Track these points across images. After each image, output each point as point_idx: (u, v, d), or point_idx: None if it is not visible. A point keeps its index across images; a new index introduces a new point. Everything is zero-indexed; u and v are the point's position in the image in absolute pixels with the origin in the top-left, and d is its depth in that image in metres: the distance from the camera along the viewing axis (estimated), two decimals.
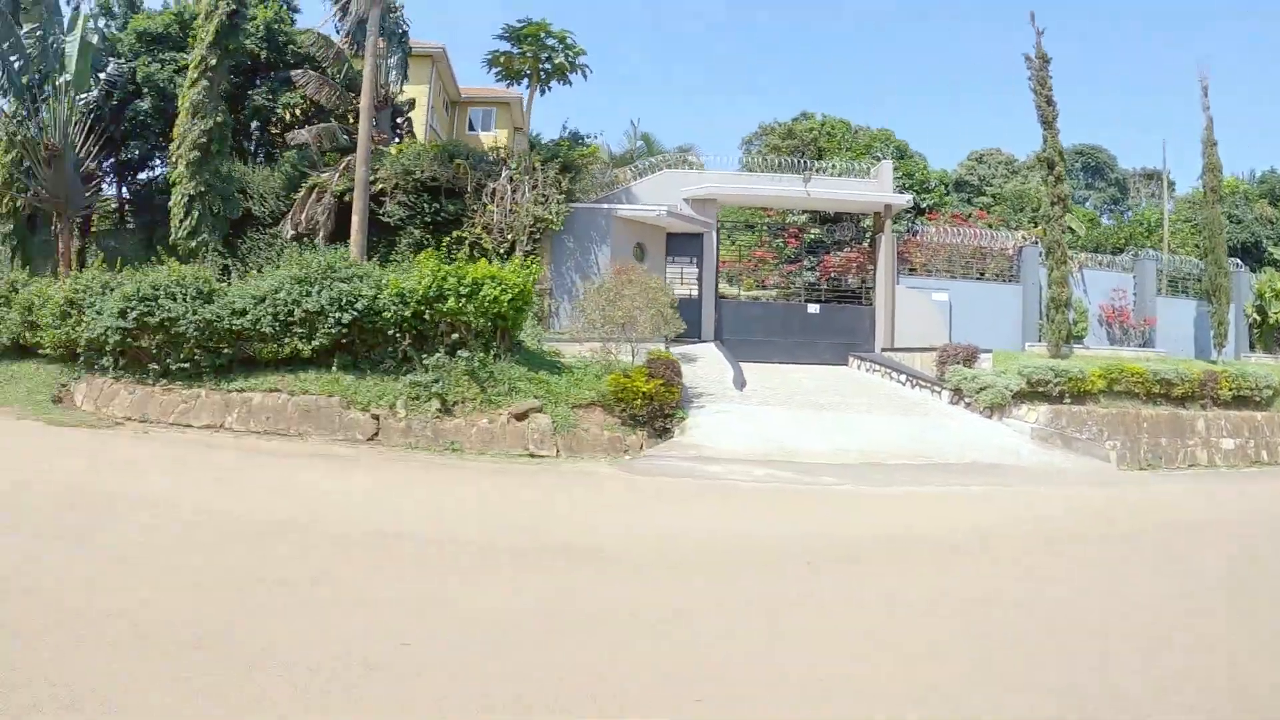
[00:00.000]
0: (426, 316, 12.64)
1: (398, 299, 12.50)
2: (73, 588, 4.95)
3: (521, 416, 12.01)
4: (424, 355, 12.44)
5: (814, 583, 5.95)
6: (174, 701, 3.49)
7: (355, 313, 12.26)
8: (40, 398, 13.55)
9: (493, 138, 31.22)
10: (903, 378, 17.76)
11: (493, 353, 12.69)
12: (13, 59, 20.98)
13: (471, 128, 32.85)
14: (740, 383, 15.99)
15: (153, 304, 12.58)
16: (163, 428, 12.06)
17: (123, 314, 12.72)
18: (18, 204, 21.43)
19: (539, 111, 66.89)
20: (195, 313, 12.36)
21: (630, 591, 5.51)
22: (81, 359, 13.80)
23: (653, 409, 12.42)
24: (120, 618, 4.42)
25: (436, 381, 12.04)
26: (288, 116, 21.39)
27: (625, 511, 8.35)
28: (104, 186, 23.34)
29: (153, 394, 12.72)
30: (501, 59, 21.67)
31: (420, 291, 12.50)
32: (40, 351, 14.71)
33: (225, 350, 12.57)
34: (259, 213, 18.83)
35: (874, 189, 22.67)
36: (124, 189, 24.46)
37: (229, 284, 13.42)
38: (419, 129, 25.28)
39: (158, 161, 22.37)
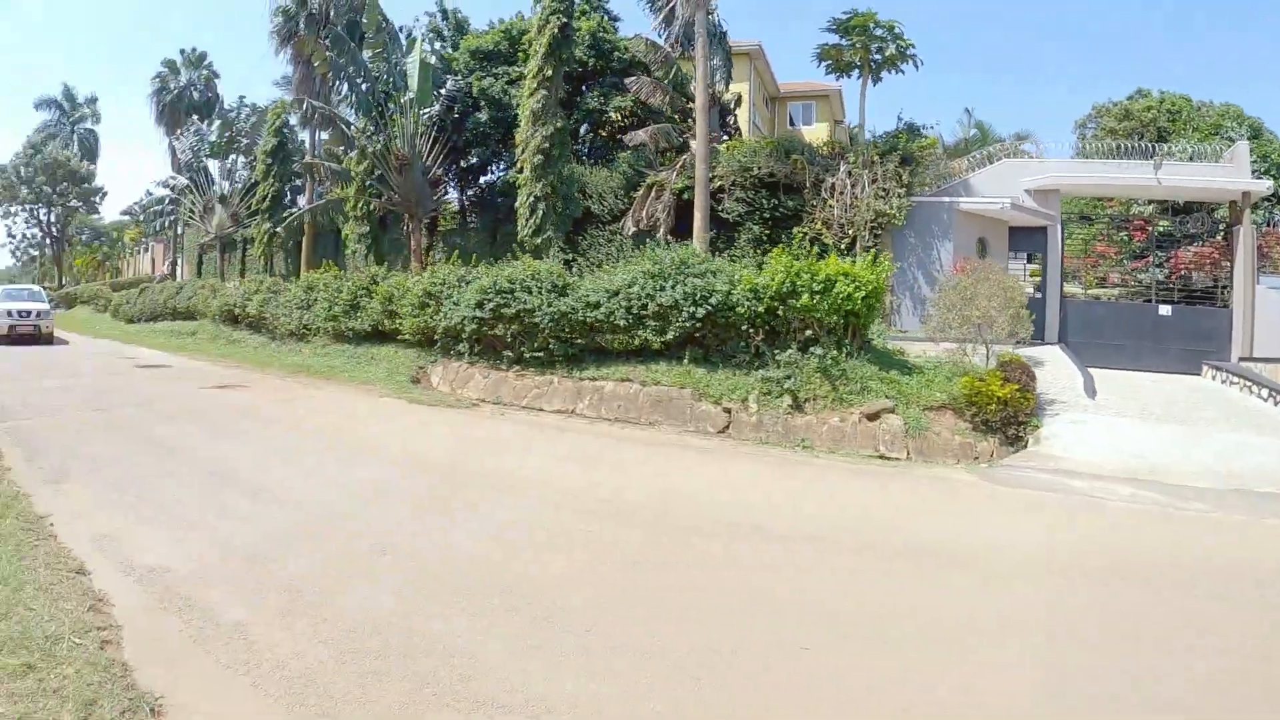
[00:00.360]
0: (779, 312, 11.86)
1: (750, 294, 11.80)
2: (467, 558, 5.67)
3: (873, 416, 10.96)
4: (775, 351, 11.66)
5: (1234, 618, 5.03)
6: (573, 684, 3.93)
7: (709, 307, 11.72)
8: (400, 378, 14.55)
9: (813, 132, 30.08)
10: (1264, 392, 14.33)
11: (844, 350, 11.74)
12: (359, 82, 23.32)
13: (792, 123, 32.13)
14: (1091, 390, 13.80)
15: (509, 296, 13.02)
16: (516, 410, 12.43)
17: (480, 305, 13.31)
18: (371, 207, 23.68)
19: (855, 103, 64.83)
20: (550, 305, 12.59)
21: (1015, 601, 5.25)
22: (438, 344, 14.68)
23: (1006, 415, 11.03)
24: (514, 588, 5.10)
25: (789, 378, 11.28)
26: (617, 120, 21.71)
27: (992, 521, 7.53)
28: (448, 190, 25.41)
29: (506, 379, 13.15)
30: (831, 51, 20.55)
31: (773, 287, 11.73)
32: (399, 337, 15.76)
33: (578, 340, 12.68)
34: (597, 211, 19.18)
35: (1228, 174, 18.81)
36: (466, 192, 26.30)
37: (577, 278, 13.36)
38: (742, 126, 24.74)
39: (498, 166, 23.74)
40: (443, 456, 9.02)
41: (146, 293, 30.83)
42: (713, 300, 11.66)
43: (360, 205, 23.78)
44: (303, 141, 32.51)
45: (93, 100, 62.49)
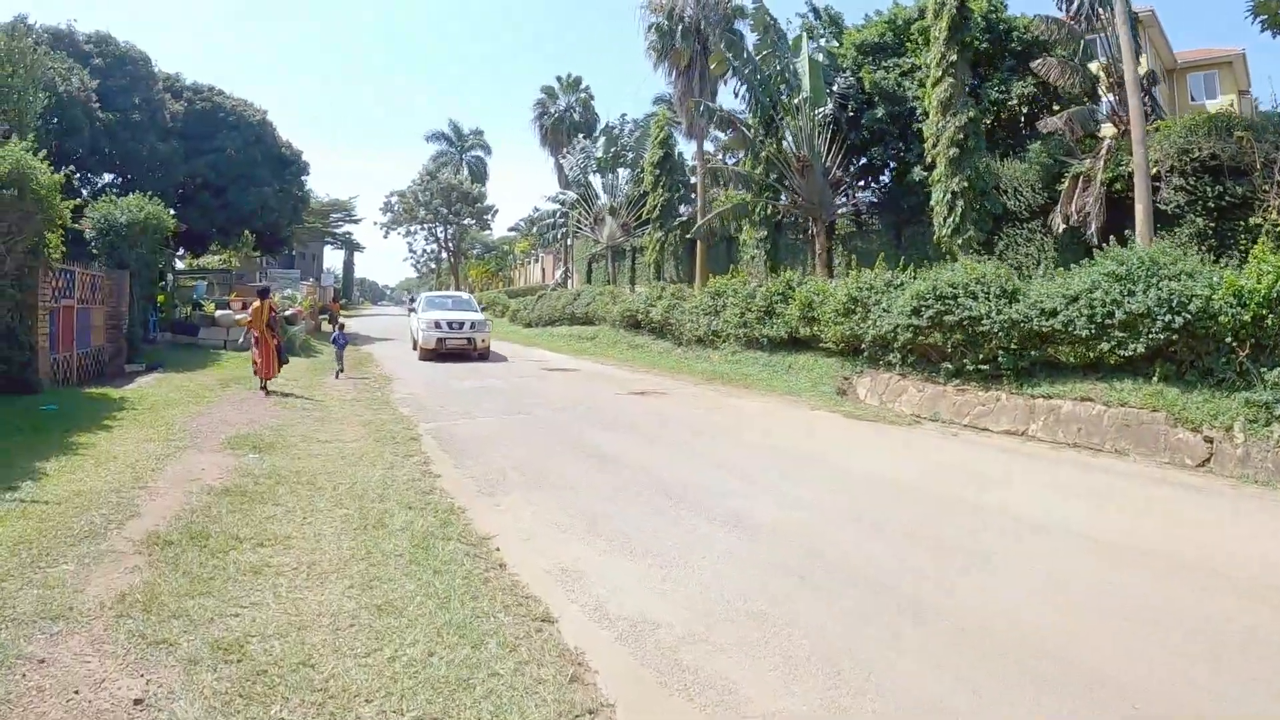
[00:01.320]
0: (1268, 322, 10.38)
1: (1234, 300, 10.48)
2: (1031, 630, 4.60)
3: None
4: (1263, 369, 10.20)
5: None
6: None
7: (1187, 315, 10.60)
8: (824, 388, 14.87)
9: (1218, 106, 26.23)
10: None
11: None
12: (756, 83, 24.32)
13: (1192, 98, 28.30)
14: None
15: (950, 302, 12.71)
16: (958, 429, 12.00)
17: (916, 312, 13.15)
18: (768, 211, 24.80)
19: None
20: (999, 312, 12.09)
21: None
22: (864, 354, 14.76)
23: None
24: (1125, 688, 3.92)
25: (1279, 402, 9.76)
26: (1019, 107, 20.62)
27: None
28: (848, 191, 25.63)
29: (944, 393, 12.84)
30: (1271, 4, 17.59)
31: (1261, 291, 10.31)
32: (818, 345, 16.28)
33: (1030, 353, 12.02)
34: (1013, 207, 18.33)
35: None
36: (865, 192, 26.37)
37: (1024, 282, 12.92)
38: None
39: (898, 164, 23.46)
40: (915, 482, 8.33)
41: (543, 299, 35.13)
42: (1191, 307, 10.64)
43: (758, 209, 24.53)
44: (680, 154, 35.16)
45: (478, 132, 72.89)
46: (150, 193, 19.60)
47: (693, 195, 36.17)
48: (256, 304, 14.09)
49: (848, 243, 25.12)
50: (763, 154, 24.07)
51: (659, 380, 17.27)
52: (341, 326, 22.26)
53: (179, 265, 35.42)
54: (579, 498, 7.41)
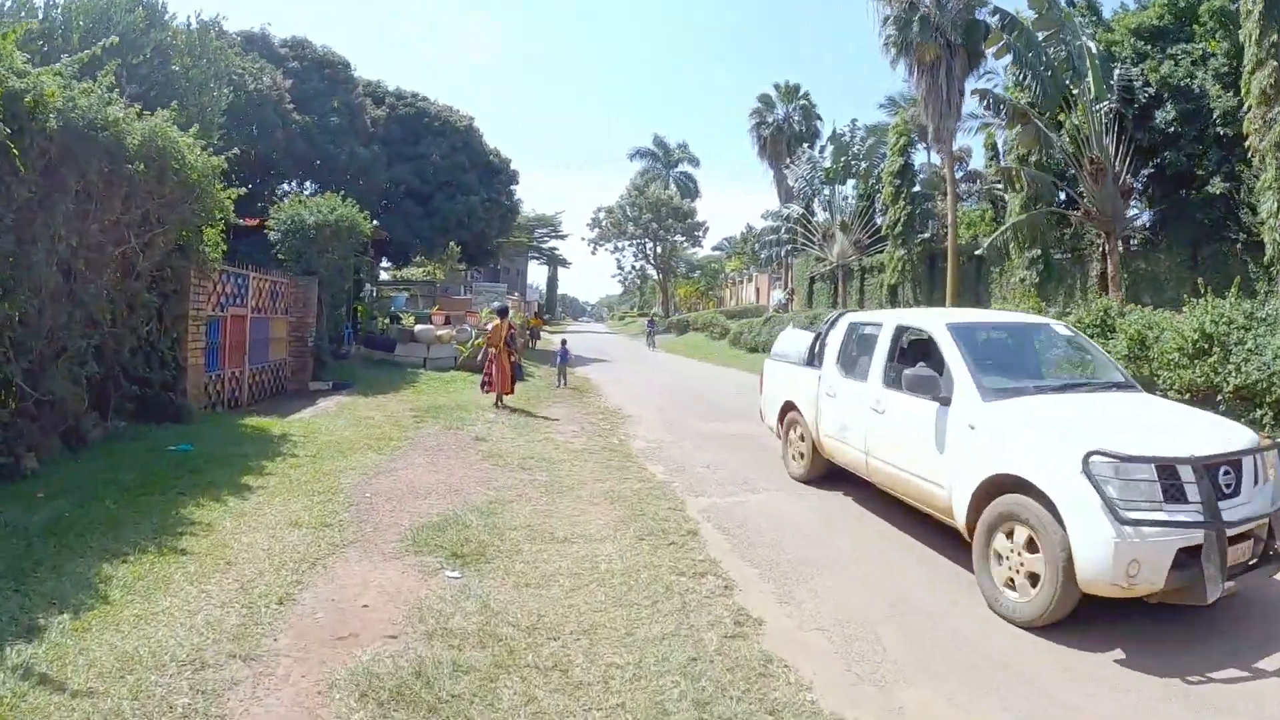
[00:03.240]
0: None
1: None
2: None
3: None
4: None
5: None
6: None
7: None
8: None
9: None
10: None
11: None
12: (1042, 69, 19.28)
13: None
14: None
15: None
16: None
17: None
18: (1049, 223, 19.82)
19: None
20: None
21: None
22: (1221, 406, 9.70)
23: None
24: None
25: None
26: None
27: None
28: (1137, 202, 20.74)
29: None
30: None
31: None
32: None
33: None
34: None
35: None
36: (1155, 203, 21.59)
37: None
38: None
39: (1193, 172, 18.70)
40: None
41: (771, 323, 31.08)
42: None
43: (1048, 223, 20.35)
44: (912, 163, 31.06)
45: (684, 147, 70.25)
46: (348, 197, 17.21)
47: (933, 208, 31.89)
48: (496, 322, 14.06)
49: (1127, 264, 20.87)
50: (1044, 155, 20.32)
51: None
52: (564, 341, 20.71)
53: (383, 276, 34.13)
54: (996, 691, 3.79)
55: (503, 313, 14.52)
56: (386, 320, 21.42)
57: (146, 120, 8.58)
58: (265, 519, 6.00)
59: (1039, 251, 21.60)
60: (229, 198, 10.05)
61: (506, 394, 13.60)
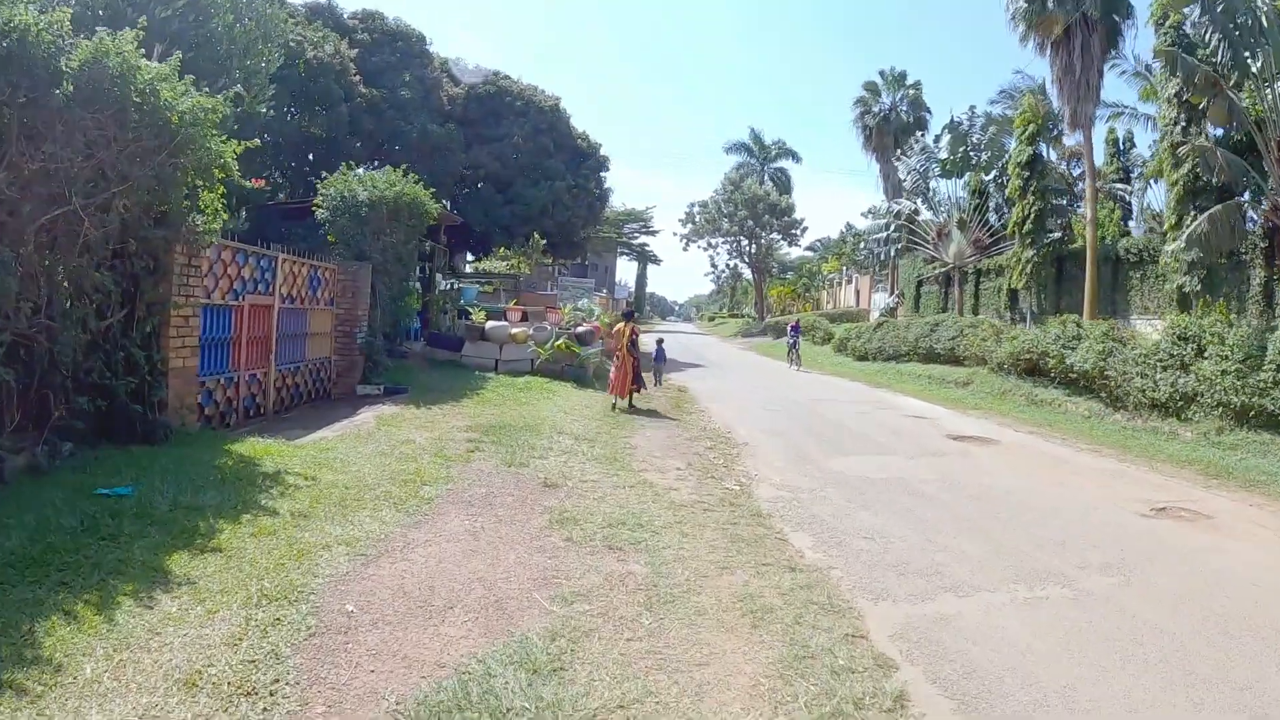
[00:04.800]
0: None
1: None
2: None
3: None
4: None
5: None
6: None
7: None
8: None
9: None
10: None
11: None
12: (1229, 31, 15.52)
13: None
14: None
15: None
16: None
17: None
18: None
19: None
20: None
21: None
22: None
23: None
24: None
25: None
26: None
27: None
28: None
29: None
30: None
31: None
32: None
33: None
34: None
35: None
36: None
37: None
38: None
39: None
40: None
41: (885, 328, 27.66)
42: None
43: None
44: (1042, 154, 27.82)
45: (780, 143, 66.60)
46: (423, 181, 14.88)
47: (1066, 203, 28.46)
48: (620, 325, 14.25)
49: None
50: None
51: (1145, 475, 9.94)
52: (660, 341, 19.19)
53: (467, 268, 31.96)
54: None
55: (628, 316, 14.91)
56: (455, 315, 19.00)
57: (98, 39, 6.14)
58: (155, 662, 3.36)
59: (1198, 253, 17.79)
60: (231, 152, 7.56)
61: (635, 393, 13.75)
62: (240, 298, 9.52)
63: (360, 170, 14.78)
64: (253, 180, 8.15)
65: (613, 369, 13.89)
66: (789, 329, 29.52)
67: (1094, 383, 15.94)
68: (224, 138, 7.46)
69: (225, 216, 8.03)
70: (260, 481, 6.24)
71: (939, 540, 6.28)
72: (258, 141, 8.33)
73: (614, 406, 13.34)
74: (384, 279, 13.92)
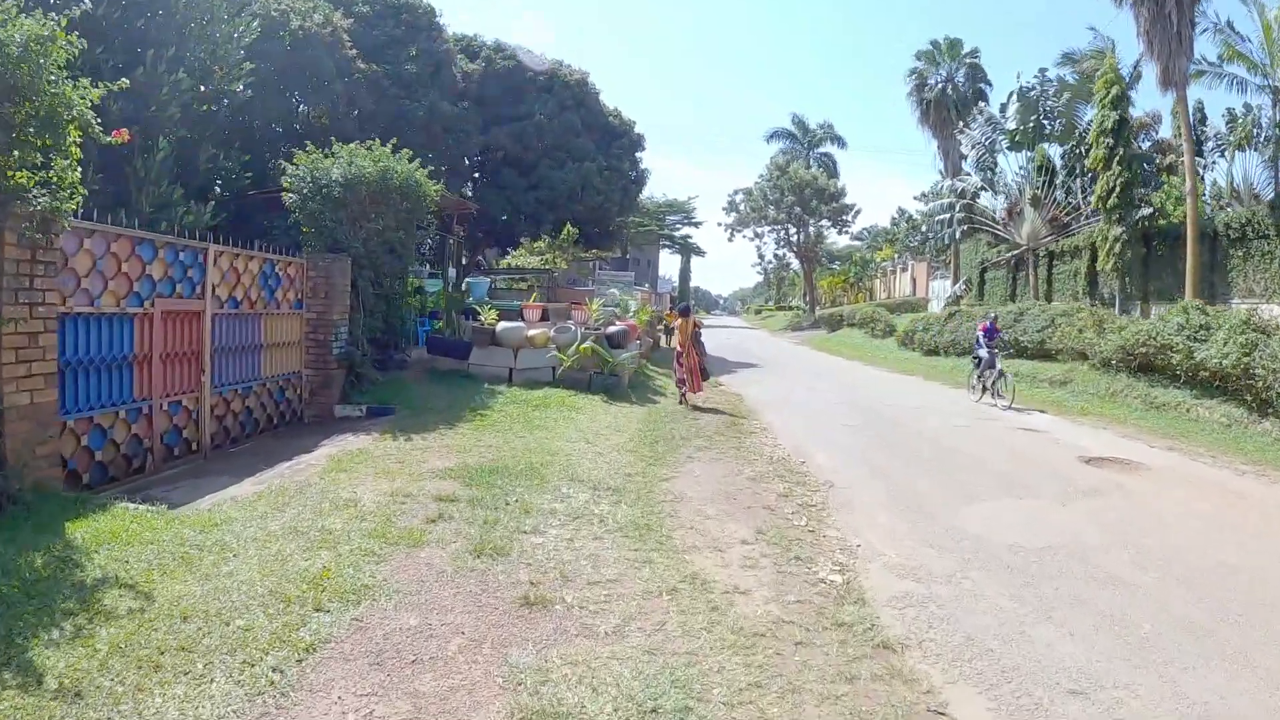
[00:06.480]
0: None
1: None
2: None
3: None
4: None
5: None
6: None
7: None
8: None
9: None
10: None
11: None
12: None
13: None
14: None
15: None
16: None
17: None
18: None
19: None
20: None
21: None
22: None
23: None
24: None
25: None
26: None
27: None
28: None
29: None
30: None
31: None
32: None
33: None
34: None
35: None
36: None
37: None
38: None
39: None
40: None
41: (956, 319, 24.69)
42: None
43: None
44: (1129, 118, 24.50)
45: (826, 126, 63.30)
46: (433, 165, 12.54)
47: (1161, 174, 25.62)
48: (680, 322, 14.36)
49: None
50: None
51: None
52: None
53: (500, 264, 29.56)
54: None
55: (685, 312, 14.80)
56: (459, 315, 16.56)
57: None
58: None
59: None
60: (87, 97, 5.23)
61: (697, 391, 13.81)
62: (146, 302, 7.20)
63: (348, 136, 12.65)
64: (114, 133, 5.75)
65: (679, 368, 13.83)
66: (980, 333, 16.37)
67: (1232, 383, 13.18)
68: (72, 78, 5.14)
69: (83, 191, 5.64)
70: (58, 602, 3.83)
71: (1184, 683, 3.68)
72: (125, 82, 5.92)
73: (692, 407, 13.15)
74: (370, 274, 11.59)
